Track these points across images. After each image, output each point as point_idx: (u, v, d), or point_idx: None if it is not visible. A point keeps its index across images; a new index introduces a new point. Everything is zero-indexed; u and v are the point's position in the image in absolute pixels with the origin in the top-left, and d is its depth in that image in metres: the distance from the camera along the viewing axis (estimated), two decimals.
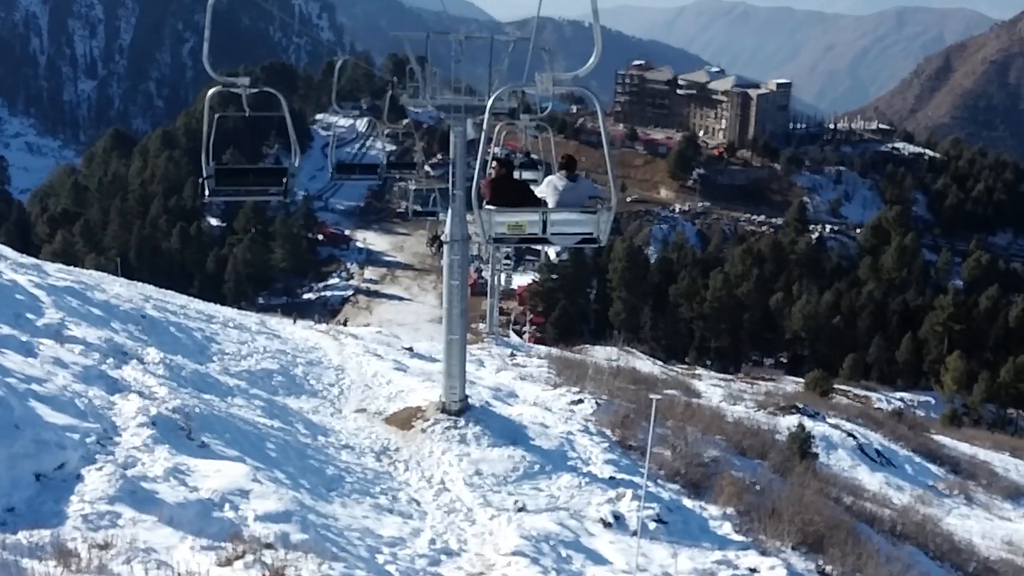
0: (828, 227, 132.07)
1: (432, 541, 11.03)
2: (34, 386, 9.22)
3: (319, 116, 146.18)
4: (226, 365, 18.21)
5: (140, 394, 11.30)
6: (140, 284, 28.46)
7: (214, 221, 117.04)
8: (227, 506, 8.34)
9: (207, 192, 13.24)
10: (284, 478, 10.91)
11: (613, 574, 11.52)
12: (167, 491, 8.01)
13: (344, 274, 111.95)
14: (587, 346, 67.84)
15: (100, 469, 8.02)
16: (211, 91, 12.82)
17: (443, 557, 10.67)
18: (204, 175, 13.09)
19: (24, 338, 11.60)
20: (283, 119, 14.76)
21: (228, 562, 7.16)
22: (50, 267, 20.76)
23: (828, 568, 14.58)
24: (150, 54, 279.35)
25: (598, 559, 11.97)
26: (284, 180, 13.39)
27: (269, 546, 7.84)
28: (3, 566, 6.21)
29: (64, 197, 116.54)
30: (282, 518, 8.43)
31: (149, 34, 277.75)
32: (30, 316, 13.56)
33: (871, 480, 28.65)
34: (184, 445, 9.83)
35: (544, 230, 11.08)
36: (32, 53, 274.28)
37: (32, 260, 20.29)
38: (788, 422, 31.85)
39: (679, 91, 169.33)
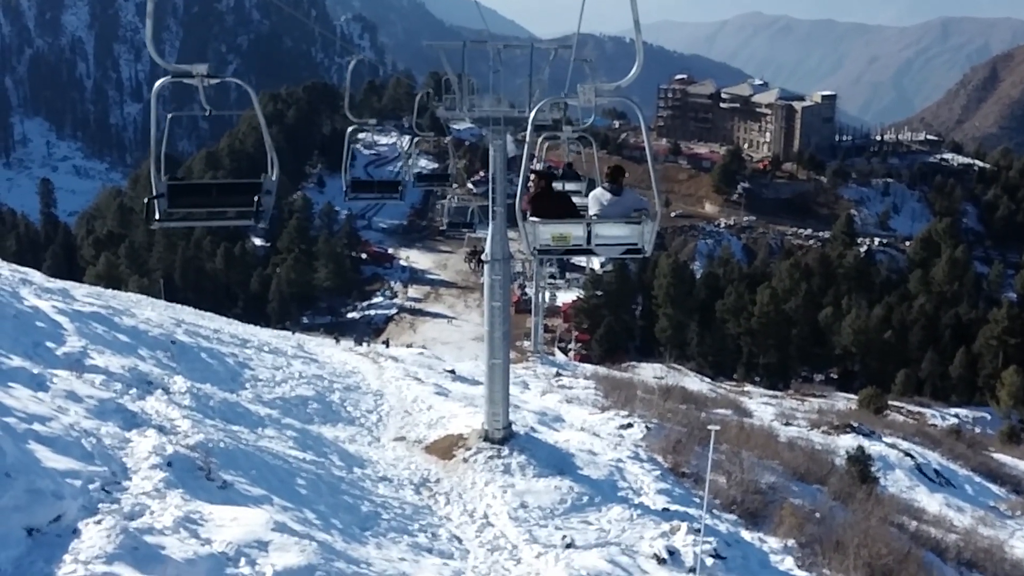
0: (877, 240, 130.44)
1: None
2: (36, 426, 8.41)
3: (361, 135, 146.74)
4: (259, 392, 17.48)
5: (160, 429, 10.53)
6: (175, 307, 28.02)
7: (258, 241, 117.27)
8: (243, 561, 7.47)
9: (156, 215, 10.05)
10: (314, 518, 10.15)
11: None
12: (175, 545, 7.16)
13: (388, 293, 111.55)
14: (633, 363, 67.23)
15: (100, 522, 7.17)
16: (159, 83, 9.98)
17: None
18: (153, 193, 10.01)
19: (36, 370, 10.86)
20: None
21: None
22: (79, 291, 20.20)
23: None
24: None
25: None
26: (256, 198, 10.18)
27: None
28: None
29: (110, 219, 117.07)
30: (304, 573, 7.59)
31: (193, 57, 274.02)
32: (49, 345, 12.89)
33: (930, 502, 27.82)
34: (202, 488, 9.01)
35: (588, 241, 10.88)
36: (79, 77, 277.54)
37: (60, 284, 19.69)
38: (844, 442, 31.16)
39: (722, 105, 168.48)
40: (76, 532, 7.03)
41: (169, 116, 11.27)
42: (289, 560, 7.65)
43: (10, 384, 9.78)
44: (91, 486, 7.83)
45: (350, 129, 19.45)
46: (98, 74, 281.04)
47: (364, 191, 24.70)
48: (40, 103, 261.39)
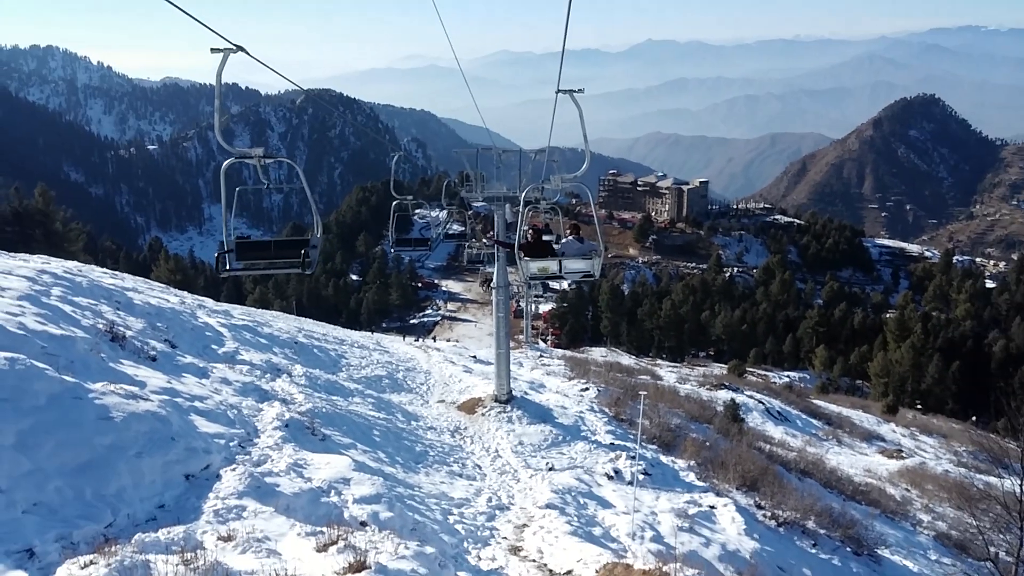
0: (736, 269, 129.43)
1: (489, 499, 9.58)
2: (196, 403, 7.81)
3: (418, 211, 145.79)
4: (351, 374, 16.85)
5: (283, 401, 9.91)
6: (300, 319, 27.27)
7: (354, 276, 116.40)
8: (332, 492, 6.89)
9: (227, 267, 8.10)
10: (384, 457, 9.57)
11: (616, 515, 10.08)
12: (286, 483, 6.57)
13: (435, 307, 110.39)
14: (587, 348, 66.61)
15: (235, 469, 6.58)
16: (226, 163, 8.34)
17: (497, 512, 9.24)
18: (224, 249, 8.26)
19: (202, 364, 10.25)
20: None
21: (324, 547, 5.67)
22: (236, 311, 19.51)
23: (763, 503, 13.22)
24: (315, 177, 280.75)
25: (605, 504, 10.69)
26: (304, 252, 8.25)
27: (363, 524, 6.41)
28: (136, 566, 4.78)
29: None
30: (373, 499, 6.98)
31: (313, 165, 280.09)
32: (213, 347, 12.31)
33: (775, 432, 27.27)
34: (308, 441, 8.38)
35: (560, 270, 10.87)
36: (244, 179, 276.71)
37: (224, 307, 19.02)
38: (721, 395, 30.66)
39: (639, 188, 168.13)
40: (219, 477, 6.45)
41: (237, 190, 9.46)
42: (364, 491, 7.05)
43: (183, 374, 9.19)
44: (231, 444, 7.24)
45: (394, 203, 18.85)
46: (255, 177, 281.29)
47: (404, 245, 23.64)
48: (220, 195, 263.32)
